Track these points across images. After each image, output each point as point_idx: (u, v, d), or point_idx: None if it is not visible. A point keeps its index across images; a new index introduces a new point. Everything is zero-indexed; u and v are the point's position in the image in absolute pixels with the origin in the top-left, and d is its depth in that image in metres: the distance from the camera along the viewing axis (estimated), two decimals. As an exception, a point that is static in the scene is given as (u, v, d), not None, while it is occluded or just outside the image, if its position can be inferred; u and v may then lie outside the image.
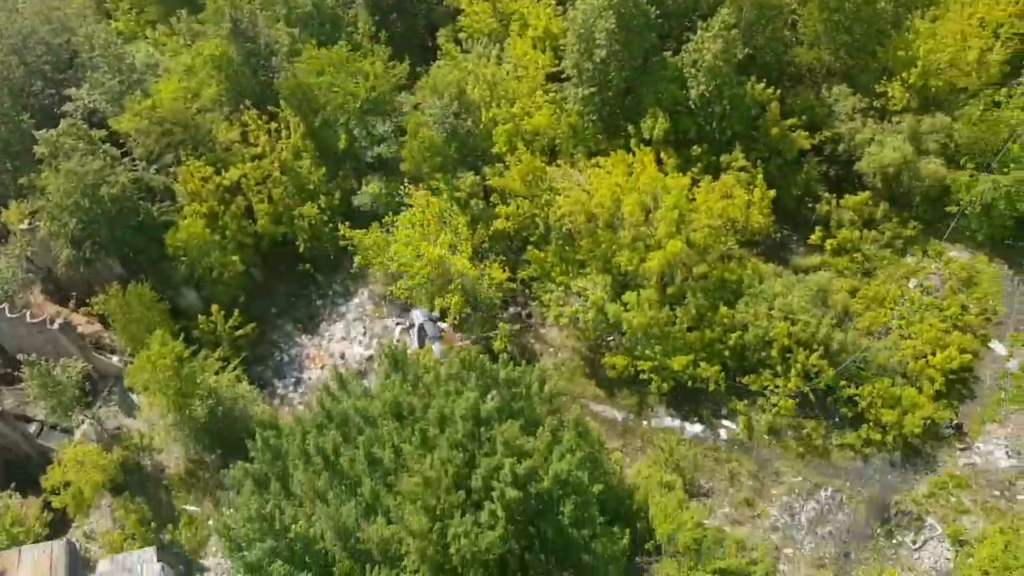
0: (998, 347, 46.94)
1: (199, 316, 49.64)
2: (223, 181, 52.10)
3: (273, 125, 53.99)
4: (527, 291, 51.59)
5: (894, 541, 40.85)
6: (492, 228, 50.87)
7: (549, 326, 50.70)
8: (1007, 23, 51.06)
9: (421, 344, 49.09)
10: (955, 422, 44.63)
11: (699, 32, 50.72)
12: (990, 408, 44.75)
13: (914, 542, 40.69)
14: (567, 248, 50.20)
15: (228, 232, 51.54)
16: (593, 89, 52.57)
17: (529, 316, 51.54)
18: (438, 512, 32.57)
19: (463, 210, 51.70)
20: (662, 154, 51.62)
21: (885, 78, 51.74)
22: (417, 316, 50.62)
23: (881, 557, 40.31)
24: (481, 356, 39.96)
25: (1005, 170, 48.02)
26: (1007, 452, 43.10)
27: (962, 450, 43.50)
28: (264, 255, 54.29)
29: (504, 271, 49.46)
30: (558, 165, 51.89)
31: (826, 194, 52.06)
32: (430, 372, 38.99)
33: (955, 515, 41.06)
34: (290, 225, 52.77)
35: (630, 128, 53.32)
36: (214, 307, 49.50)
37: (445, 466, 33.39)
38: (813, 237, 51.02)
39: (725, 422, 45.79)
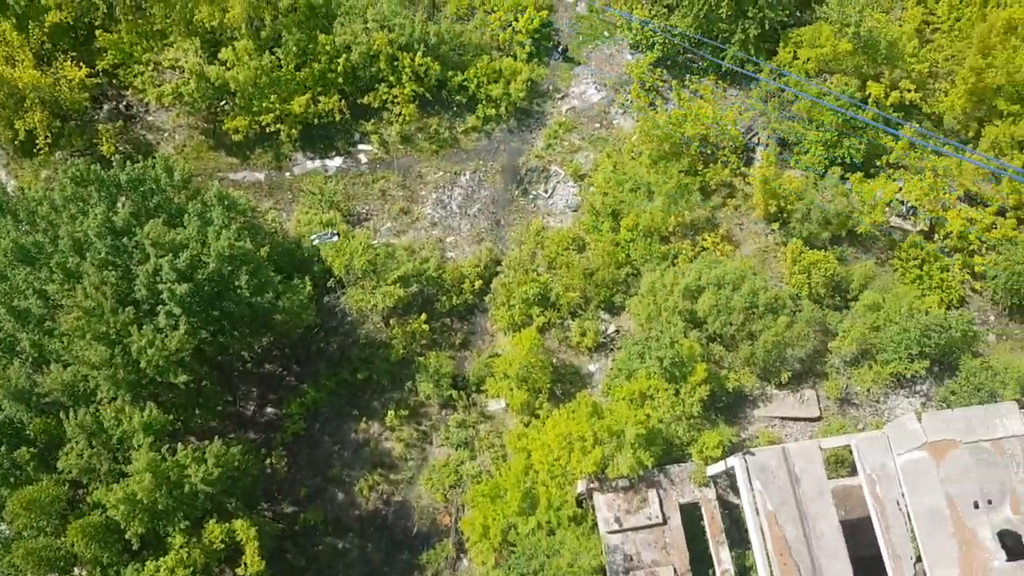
0: (567, -3, 51.72)
1: None
2: None
3: None
4: (115, 81, 47.38)
5: (531, 196, 46.41)
6: (47, 23, 45.07)
7: (155, 111, 47.66)
8: None
9: None
10: (560, 47, 49.85)
11: None
12: (574, 50, 50.09)
13: (546, 191, 46.53)
14: (140, 21, 46.06)
15: None
16: None
17: (129, 107, 47.84)
18: (112, 336, 32.05)
19: (3, 13, 44.97)
20: None
21: None
22: None
23: (524, 213, 45.89)
24: (93, 166, 37.43)
25: None
26: (595, 87, 49.20)
27: (561, 98, 48.94)
28: None
29: (80, 67, 44.83)
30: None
31: None
32: (43, 203, 36.03)
33: (570, 156, 47.11)
34: None
35: None
36: None
37: (101, 289, 32.36)
38: (382, -61, 50.67)
39: (361, 146, 47.35)
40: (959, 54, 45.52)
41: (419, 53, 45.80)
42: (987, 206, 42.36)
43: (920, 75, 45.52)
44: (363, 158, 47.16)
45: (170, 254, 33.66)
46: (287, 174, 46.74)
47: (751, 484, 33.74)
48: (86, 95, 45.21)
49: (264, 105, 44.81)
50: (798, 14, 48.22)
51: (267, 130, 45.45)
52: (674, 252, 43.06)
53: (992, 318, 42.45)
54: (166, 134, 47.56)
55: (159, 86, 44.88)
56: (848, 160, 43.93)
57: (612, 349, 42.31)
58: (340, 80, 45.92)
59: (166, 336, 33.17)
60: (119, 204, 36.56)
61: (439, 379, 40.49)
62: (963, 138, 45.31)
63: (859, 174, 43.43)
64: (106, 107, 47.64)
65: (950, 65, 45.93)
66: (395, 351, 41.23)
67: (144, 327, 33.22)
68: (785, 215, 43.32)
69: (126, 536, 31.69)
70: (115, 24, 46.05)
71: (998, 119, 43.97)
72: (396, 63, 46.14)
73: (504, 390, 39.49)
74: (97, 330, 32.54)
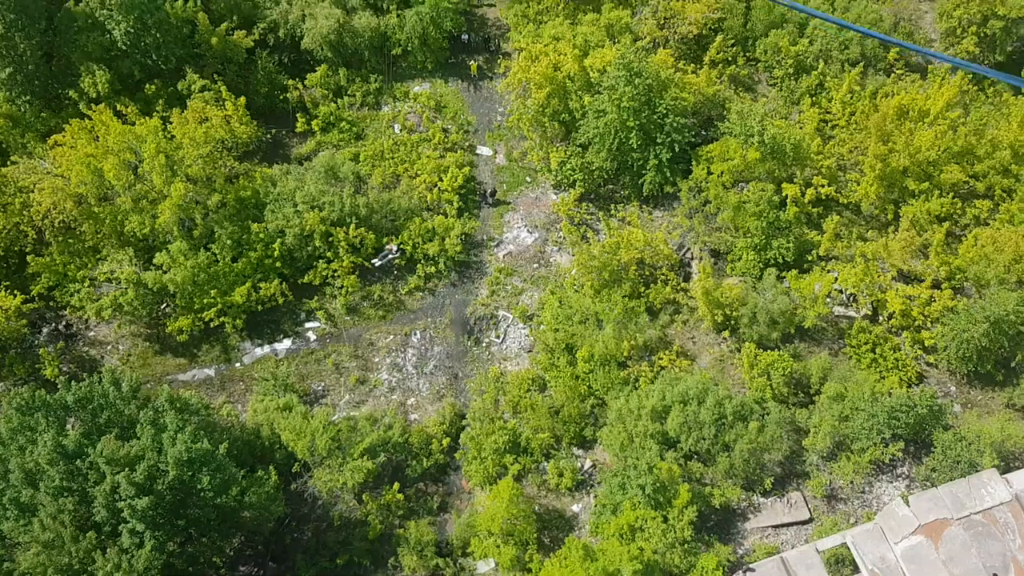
0: (484, 150, 53.72)
1: None
2: None
3: None
4: (52, 304, 47.05)
5: (484, 344, 46.60)
6: (-26, 258, 45.08)
7: (96, 326, 47.21)
8: None
9: None
10: (488, 191, 51.41)
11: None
12: (501, 194, 51.63)
13: (498, 337, 46.82)
14: (71, 240, 46.37)
15: None
16: (10, 69, 47.35)
17: (68, 327, 47.35)
18: (76, 566, 30.53)
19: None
20: (119, 106, 48.83)
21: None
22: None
23: (480, 362, 45.92)
24: (38, 392, 36.61)
25: (421, 1, 53.33)
26: (527, 229, 50.51)
27: (497, 246, 50.03)
28: None
29: (15, 295, 44.53)
30: (15, 163, 46.73)
31: (290, 81, 53.50)
32: (-12, 439, 34.89)
33: (516, 298, 47.76)
34: None
35: (72, 93, 49.52)
36: None
37: (59, 519, 31.06)
38: (299, 124, 52.49)
39: (308, 324, 47.31)
40: (861, 145, 48.17)
41: (352, 226, 46.72)
42: (921, 281, 43.79)
43: (830, 170, 47.90)
44: (312, 336, 47.06)
45: (126, 469, 32.62)
46: (237, 365, 46.25)
47: (757, 601, 32.85)
48: (23, 322, 44.69)
49: (205, 301, 44.82)
50: (703, 132, 50.80)
51: (211, 325, 45.27)
52: (634, 376, 43.23)
53: (953, 388, 43.11)
54: (109, 347, 46.97)
55: (97, 301, 44.63)
56: (780, 260, 45.33)
57: (592, 485, 41.63)
58: (278, 264, 46.36)
59: (132, 556, 31.68)
60: (68, 426, 35.59)
61: (422, 549, 39.06)
62: (883, 221, 47.32)
63: (793, 271, 44.80)
64: (45, 330, 47.03)
65: (855, 156, 48.49)
66: (372, 528, 39.86)
67: (108, 551, 31.72)
68: (733, 322, 44.11)
69: None
70: (46, 248, 46.26)
71: (911, 198, 46.22)
72: (331, 238, 46.92)
73: (491, 549, 38.22)
74: (59, 563, 30.99)
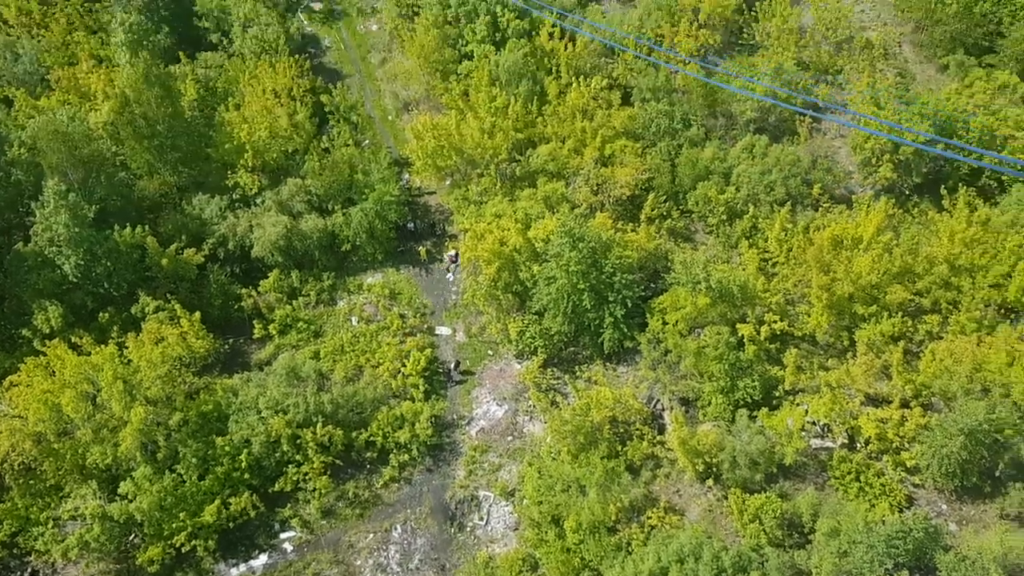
0: (443, 330, 54.30)
1: None
2: None
3: None
4: (16, 550, 44.83)
5: (468, 529, 45.28)
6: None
7: (64, 568, 44.91)
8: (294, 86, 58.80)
9: None
10: (453, 365, 51.78)
11: (39, 212, 48.52)
12: (465, 384, 51.74)
13: (481, 519, 45.60)
14: (32, 481, 44.93)
15: None
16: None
17: (35, 573, 44.94)
18: None
19: None
20: (73, 338, 48.77)
21: (229, 171, 55.53)
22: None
23: (466, 548, 44.45)
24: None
25: (364, 198, 55.40)
26: (496, 403, 50.33)
27: (468, 424, 49.62)
28: None
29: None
30: (-33, 409, 45.86)
31: (244, 290, 54.24)
32: None
33: (494, 475, 46.93)
34: None
35: (25, 332, 49.48)
36: None
37: None
38: (256, 331, 52.70)
39: (284, 535, 45.63)
40: (804, 278, 49.73)
41: (319, 425, 46.13)
42: (889, 402, 44.18)
43: (779, 305, 49.13)
44: (288, 546, 45.27)
45: None
46: (213, 588, 44.10)
47: None
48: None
49: (175, 526, 43.15)
50: (652, 285, 52.15)
51: (183, 551, 43.39)
52: (626, 540, 42.11)
53: (944, 506, 42.66)
54: (77, 587, 44.61)
55: (62, 541, 42.70)
56: (749, 399, 45.57)
57: (600, 665, 39.58)
58: (247, 476, 45.16)
59: None
60: None
61: None
62: (840, 348, 48.22)
63: (764, 409, 44.98)
64: (9, 579, 44.68)
65: (800, 289, 49.93)
66: None
67: None
68: (715, 469, 43.69)
69: None
70: (6, 492, 44.68)
71: (863, 323, 47.37)
72: (299, 441, 46.14)
73: None
74: None
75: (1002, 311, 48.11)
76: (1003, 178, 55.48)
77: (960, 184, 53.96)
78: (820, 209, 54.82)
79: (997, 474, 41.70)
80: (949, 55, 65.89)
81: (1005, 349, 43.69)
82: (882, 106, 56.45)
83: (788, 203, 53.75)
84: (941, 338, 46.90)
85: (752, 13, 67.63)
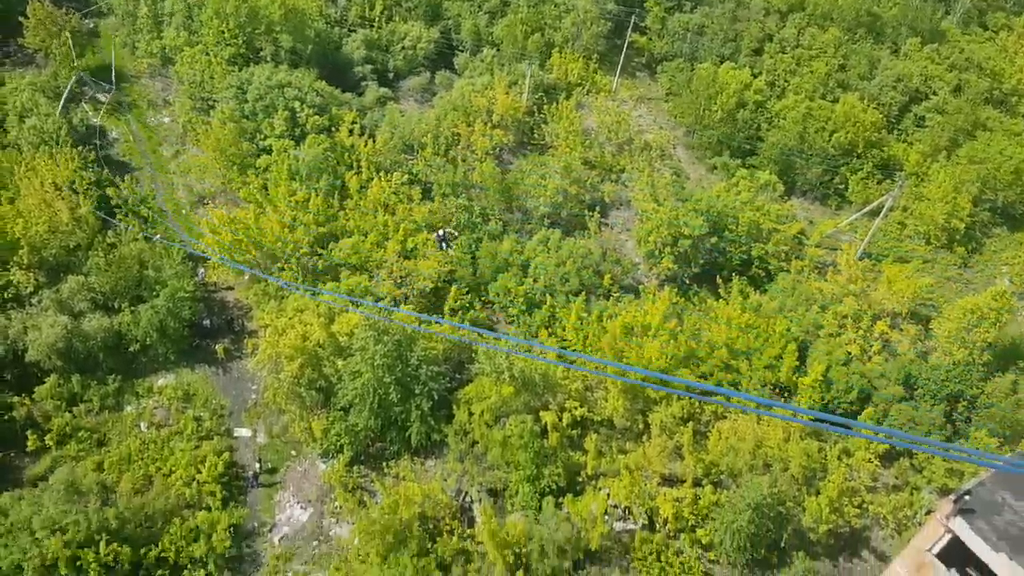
0: (242, 431, 51.88)
1: None
2: None
3: None
4: None
5: (271, 644, 42.69)
6: None
7: None
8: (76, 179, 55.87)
9: None
10: (254, 474, 49.33)
11: None
12: (266, 481, 49.50)
13: (285, 631, 43.19)
14: None
15: None
16: None
17: None
18: None
19: None
20: None
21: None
22: None
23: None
24: None
25: (155, 295, 52.68)
26: (300, 506, 48.41)
27: (270, 531, 47.27)
28: None
29: None
30: None
31: (16, 398, 49.42)
32: None
33: (299, 584, 44.80)
34: None
35: None
36: None
37: None
38: (31, 443, 47.80)
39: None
40: (600, 364, 52.14)
41: (102, 543, 42.26)
42: (683, 482, 46.74)
43: (579, 391, 51.10)
44: None
45: None
46: None
47: None
48: None
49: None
50: (458, 376, 52.76)
51: None
52: (437, 641, 41.31)
53: (738, 581, 45.34)
54: None
55: None
56: (554, 486, 46.65)
57: None
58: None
59: None
60: None
61: None
62: (636, 431, 50.67)
63: (569, 496, 46.18)
64: None
65: (598, 375, 52.25)
66: None
67: None
68: (524, 560, 44.02)
69: None
70: None
71: (655, 405, 50.14)
72: (79, 563, 41.95)
73: None
74: None
75: (776, 391, 52.67)
76: (769, 268, 61.51)
77: (733, 274, 59.17)
78: (611, 298, 58.07)
79: (782, 544, 44.88)
80: (716, 156, 72.93)
81: (781, 426, 47.72)
82: (660, 203, 61.27)
83: (582, 293, 56.57)
84: (725, 418, 50.48)
85: (542, 115, 71.88)
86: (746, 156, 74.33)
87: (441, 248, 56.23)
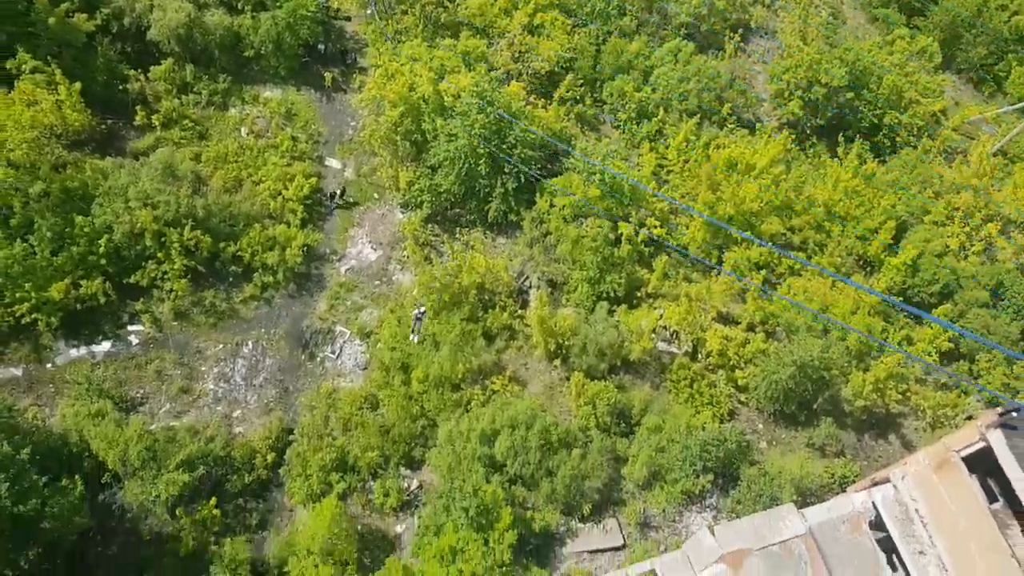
0: (333, 163, 53.22)
1: None
2: None
3: None
4: None
5: (318, 359, 45.93)
6: None
7: None
8: None
9: None
10: (338, 192, 51.09)
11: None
12: (345, 216, 51.22)
13: (333, 352, 46.27)
14: None
15: None
16: None
17: None
18: None
19: None
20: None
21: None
22: None
23: (313, 377, 45.22)
24: None
25: (279, 5, 52.42)
26: (371, 246, 50.35)
27: (339, 260, 49.56)
28: None
29: None
30: None
31: (132, 72, 51.14)
32: None
33: (354, 315, 47.42)
34: None
35: None
36: None
37: None
38: (139, 118, 50.13)
39: (131, 327, 45.04)
40: (692, 191, 51.16)
41: (187, 228, 45.00)
42: (738, 324, 46.89)
43: (662, 212, 50.56)
44: (134, 339, 44.83)
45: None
46: (48, 366, 43.36)
47: (568, 624, 33.90)
48: None
49: (18, 295, 41.86)
50: (549, 166, 52.47)
51: (22, 322, 42.30)
52: (466, 399, 43.83)
53: (760, 426, 46.28)
54: (-99, 335, 43.05)
55: None
56: (612, 294, 47.34)
57: (417, 506, 41.76)
58: (103, 262, 43.86)
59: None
60: None
61: (236, 568, 37.85)
62: (709, 264, 50.41)
63: (624, 306, 46.89)
64: None
65: (686, 201, 51.43)
66: (184, 544, 38.28)
67: None
68: (564, 351, 45.60)
69: None
70: None
71: (734, 245, 49.48)
72: (164, 239, 44.96)
73: (308, 569, 37.58)
74: None
75: (860, 262, 51.24)
76: (896, 139, 57.97)
77: (857, 136, 56.01)
78: (724, 128, 55.93)
79: (815, 407, 45.35)
80: (882, 7, 67.01)
81: (853, 297, 46.81)
82: (807, 42, 57.29)
83: (697, 116, 54.53)
84: (800, 275, 49.65)
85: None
86: (913, 15, 68.17)
87: (413, 329, 46.69)
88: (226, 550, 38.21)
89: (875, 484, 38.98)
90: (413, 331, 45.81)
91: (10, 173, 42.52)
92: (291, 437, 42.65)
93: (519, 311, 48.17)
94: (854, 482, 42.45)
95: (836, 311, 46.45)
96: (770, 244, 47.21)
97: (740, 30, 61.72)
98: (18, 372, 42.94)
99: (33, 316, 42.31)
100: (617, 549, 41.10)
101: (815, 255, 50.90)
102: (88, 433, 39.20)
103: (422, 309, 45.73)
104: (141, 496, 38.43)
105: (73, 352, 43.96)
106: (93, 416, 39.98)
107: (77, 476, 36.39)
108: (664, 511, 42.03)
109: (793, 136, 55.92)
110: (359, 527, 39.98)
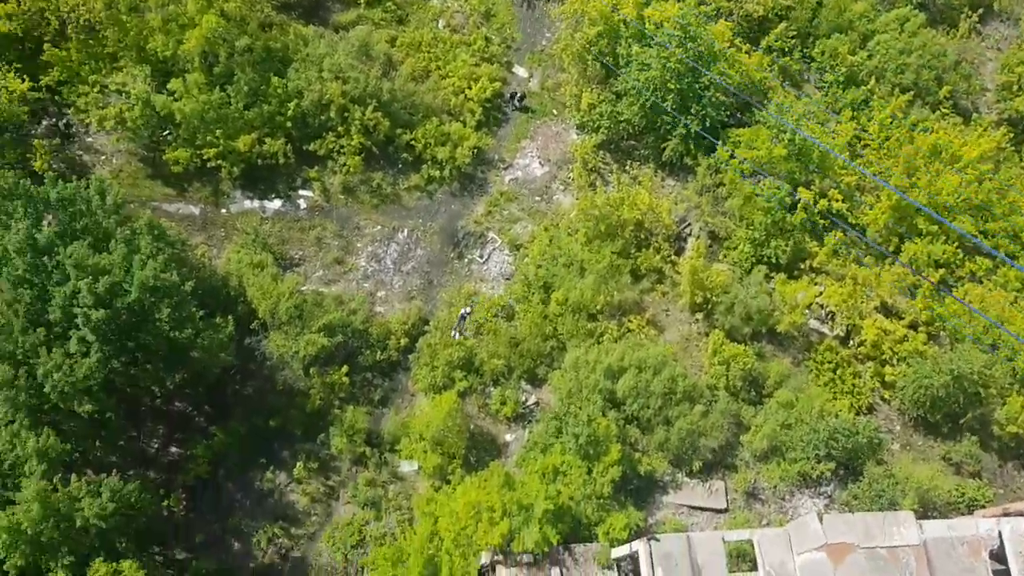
0: (520, 71, 52.98)
1: None
2: None
3: None
4: (57, 98, 46.51)
5: (466, 260, 46.76)
6: (-9, 32, 44.42)
7: (95, 133, 46.81)
8: None
9: None
10: (518, 95, 51.32)
11: None
12: (520, 126, 51.12)
13: (481, 257, 46.94)
14: (92, 42, 45.68)
15: None
16: None
17: (68, 126, 46.93)
18: (19, 356, 30.93)
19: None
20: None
21: None
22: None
23: (458, 276, 46.16)
24: (23, 180, 36.58)
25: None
26: (539, 161, 50.20)
27: (506, 169, 49.76)
28: None
29: (23, 80, 44.00)
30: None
31: (349, -55, 52.33)
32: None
33: (509, 225, 47.76)
34: None
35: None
36: None
37: (13, 307, 31.34)
38: (346, -8, 51.52)
39: (302, 192, 47.19)
40: (885, 171, 47.84)
41: (370, 108, 46.22)
42: (901, 319, 44.14)
43: (848, 187, 47.66)
44: (303, 204, 46.98)
45: (90, 277, 32.82)
46: (223, 211, 46.21)
47: (653, 570, 33.87)
48: (25, 108, 44.18)
49: (208, 139, 44.51)
50: (738, 115, 50.25)
51: (208, 165, 45.08)
52: (600, 331, 43.60)
53: (898, 427, 43.85)
54: (103, 157, 46.70)
55: (103, 108, 44.23)
56: (774, 260, 45.41)
57: (530, 421, 42.37)
58: (288, 124, 45.88)
59: (76, 362, 32.14)
60: (45, 222, 35.57)
61: (353, 434, 39.89)
62: (884, 252, 47.37)
63: (783, 275, 44.96)
64: (45, 123, 46.64)
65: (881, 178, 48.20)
66: (312, 401, 40.57)
67: (54, 351, 32.14)
68: (710, 306, 44.38)
69: (3, 567, 30.11)
70: (65, 41, 45.45)
71: (917, 237, 46.19)
72: (347, 114, 46.42)
73: (418, 452, 39.08)
74: (3, 348, 31.40)
75: (1052, 284, 46.86)
76: None
77: (1090, 149, 50.62)
78: (937, 112, 51.68)
79: (961, 422, 42.48)
80: None
81: (1035, 319, 43.05)
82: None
83: (911, 93, 50.56)
84: (981, 283, 45.96)
85: None
86: None
87: (455, 328, 44.56)
88: (347, 416, 40.23)
89: (1006, 514, 36.54)
90: (455, 329, 43.97)
91: (222, 23, 44.62)
92: (426, 327, 43.92)
93: (672, 256, 47.07)
94: (984, 507, 39.88)
95: (1013, 328, 42.83)
96: (975, 238, 43.45)
97: (980, 10, 56.30)
98: (196, 211, 46.01)
99: (218, 162, 44.96)
100: (718, 511, 40.42)
101: (1003, 266, 46.83)
102: (247, 281, 41.74)
103: (468, 309, 44.45)
104: (282, 349, 40.78)
105: (247, 203, 46.58)
106: (254, 266, 42.45)
107: (230, 317, 38.90)
108: (775, 487, 40.84)
109: (1012, 135, 51.05)
110: (471, 427, 41.01)
